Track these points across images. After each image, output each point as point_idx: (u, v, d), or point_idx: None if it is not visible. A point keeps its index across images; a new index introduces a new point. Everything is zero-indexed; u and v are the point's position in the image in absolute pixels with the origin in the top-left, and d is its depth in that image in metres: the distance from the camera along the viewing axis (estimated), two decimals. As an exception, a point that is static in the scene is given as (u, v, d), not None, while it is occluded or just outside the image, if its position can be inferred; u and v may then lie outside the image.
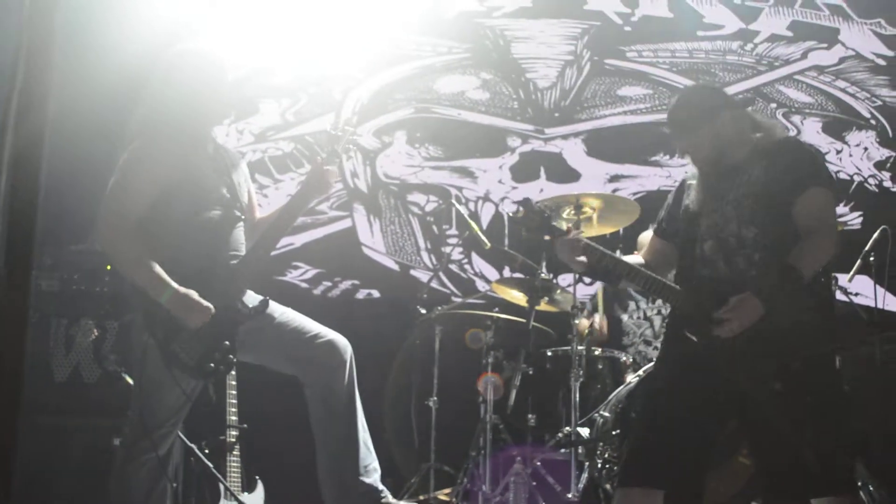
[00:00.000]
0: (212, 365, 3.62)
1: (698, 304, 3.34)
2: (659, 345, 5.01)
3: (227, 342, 3.65)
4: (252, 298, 3.82)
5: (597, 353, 5.23)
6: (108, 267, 4.96)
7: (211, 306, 3.58)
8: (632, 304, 5.65)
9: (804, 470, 3.18)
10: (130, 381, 4.48)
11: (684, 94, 3.89)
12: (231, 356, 3.66)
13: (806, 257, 3.29)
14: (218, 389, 3.81)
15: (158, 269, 3.57)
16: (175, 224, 3.66)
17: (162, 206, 3.65)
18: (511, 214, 3.50)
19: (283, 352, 3.91)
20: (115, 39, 5.85)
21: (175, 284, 3.56)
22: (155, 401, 3.70)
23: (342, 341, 3.96)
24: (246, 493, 4.64)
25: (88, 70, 5.60)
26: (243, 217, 3.85)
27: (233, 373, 4.67)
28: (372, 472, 4.04)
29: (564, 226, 3.95)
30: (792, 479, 3.24)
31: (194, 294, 3.58)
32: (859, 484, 4.84)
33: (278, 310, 3.95)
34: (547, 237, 3.51)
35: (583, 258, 3.44)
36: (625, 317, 5.61)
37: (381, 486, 4.06)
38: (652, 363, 4.74)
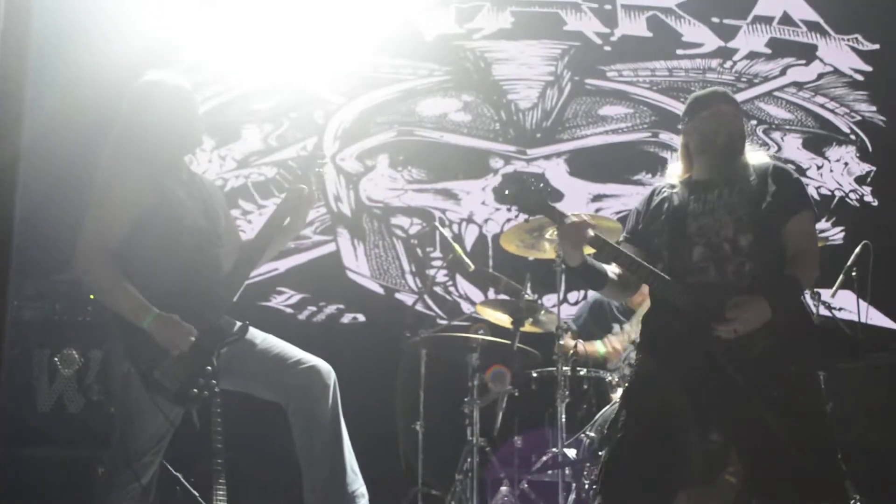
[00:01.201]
0: (195, 391, 3.61)
1: (699, 302, 3.33)
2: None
3: (209, 367, 3.64)
4: (231, 324, 3.82)
5: (582, 373, 5.23)
6: (91, 296, 4.94)
7: (193, 329, 3.58)
8: (616, 327, 5.65)
9: (799, 476, 3.19)
10: (115, 410, 4.46)
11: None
12: (214, 381, 3.65)
13: (806, 272, 3.39)
14: (202, 416, 3.79)
15: (138, 294, 3.57)
16: (152, 251, 3.65)
17: (138, 233, 3.65)
18: (505, 193, 3.39)
19: (265, 378, 3.90)
20: (90, 65, 5.85)
21: (156, 309, 3.55)
22: (137, 428, 3.68)
23: (325, 367, 3.96)
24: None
25: (64, 97, 5.59)
26: (220, 244, 3.84)
27: (217, 400, 4.65)
28: (359, 497, 4.02)
29: (547, 246, 3.96)
30: (786, 486, 3.22)
31: (176, 317, 3.57)
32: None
33: (259, 336, 3.94)
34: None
35: (585, 247, 3.39)
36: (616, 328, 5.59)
37: (366, 510, 4.05)
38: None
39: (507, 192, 3.47)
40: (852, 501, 4.64)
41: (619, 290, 3.66)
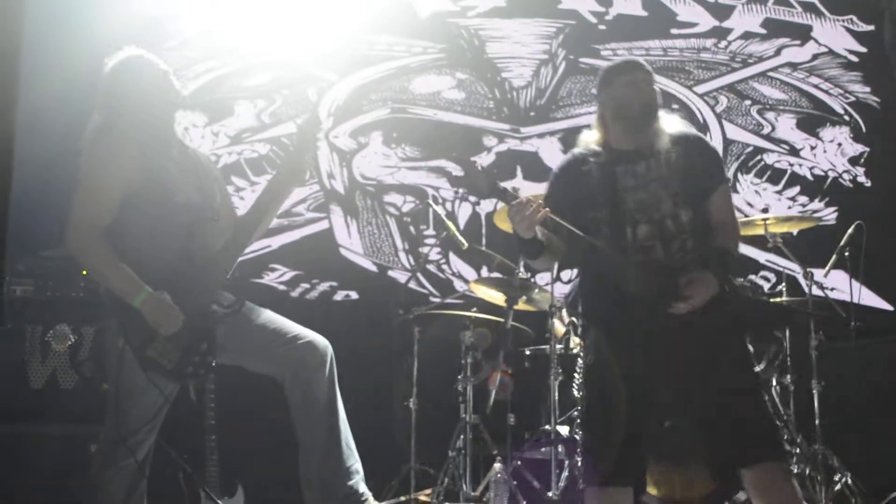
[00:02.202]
0: (190, 368, 3.61)
1: (648, 281, 3.35)
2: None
3: (205, 344, 3.64)
4: (227, 299, 3.81)
5: (575, 351, 5.23)
6: (84, 272, 4.93)
7: (181, 314, 3.57)
8: None
9: (752, 437, 3.27)
10: (108, 386, 4.46)
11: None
12: (210, 358, 3.65)
13: (733, 243, 3.52)
14: (198, 392, 3.80)
15: (131, 272, 3.56)
16: (144, 228, 3.64)
17: (129, 209, 3.63)
18: (455, 175, 3.37)
19: (261, 353, 3.90)
20: (84, 44, 5.81)
21: (148, 288, 3.54)
22: (131, 405, 3.68)
23: (322, 342, 3.96)
24: (226, 498, 4.63)
25: (56, 76, 5.57)
26: (215, 218, 3.83)
27: (211, 376, 4.65)
28: (354, 473, 4.03)
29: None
30: (738, 448, 3.29)
31: (167, 298, 3.56)
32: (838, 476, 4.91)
33: (255, 311, 3.93)
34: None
35: (537, 226, 3.34)
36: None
37: (363, 488, 4.05)
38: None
39: (456, 176, 3.46)
40: (847, 480, 4.83)
41: (550, 258, 3.63)
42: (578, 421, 3.53)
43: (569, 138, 7.02)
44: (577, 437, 4.81)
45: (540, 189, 6.52)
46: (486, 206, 6.80)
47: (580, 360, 4.12)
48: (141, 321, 3.55)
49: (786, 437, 5.06)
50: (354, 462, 4.02)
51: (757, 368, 4.76)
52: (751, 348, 4.92)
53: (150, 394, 3.65)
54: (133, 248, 3.62)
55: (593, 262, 3.45)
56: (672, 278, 3.34)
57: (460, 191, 3.72)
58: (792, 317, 5.14)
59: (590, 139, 3.62)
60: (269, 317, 3.94)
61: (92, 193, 3.63)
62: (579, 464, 3.55)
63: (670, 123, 3.58)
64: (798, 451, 5.00)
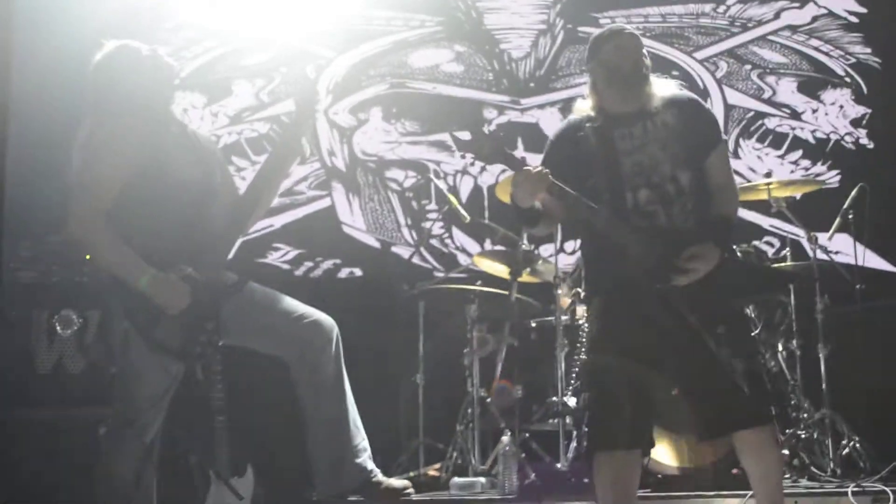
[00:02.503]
0: (198, 348, 3.62)
1: (650, 249, 3.35)
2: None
3: (211, 323, 3.64)
4: (230, 279, 3.81)
5: (581, 322, 5.23)
6: (88, 256, 4.93)
7: (187, 292, 3.56)
8: None
9: (744, 403, 3.29)
10: (115, 370, 4.47)
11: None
12: (216, 337, 3.65)
13: (733, 208, 3.55)
14: (205, 372, 3.80)
15: (134, 255, 3.56)
16: (146, 208, 3.64)
17: (130, 192, 3.63)
18: (461, 140, 3.38)
19: (267, 333, 3.91)
20: (79, 23, 5.79)
21: (152, 269, 3.54)
22: (139, 387, 3.70)
23: (327, 321, 3.97)
24: (236, 478, 4.63)
25: (51, 57, 5.55)
26: (216, 197, 3.82)
27: (217, 357, 4.66)
28: (361, 451, 4.06)
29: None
30: (731, 414, 3.32)
31: (173, 277, 3.56)
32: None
33: (260, 290, 3.94)
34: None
35: (543, 194, 3.35)
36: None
37: (370, 465, 4.08)
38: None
39: (462, 140, 3.45)
40: (855, 445, 4.89)
41: (548, 225, 3.68)
42: (581, 387, 3.53)
43: (569, 108, 6.98)
44: (579, 403, 4.84)
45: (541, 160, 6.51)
46: (488, 178, 6.78)
47: (584, 329, 4.15)
48: (145, 302, 3.56)
49: (793, 401, 5.08)
50: (362, 440, 4.05)
51: (754, 333, 4.76)
52: (751, 314, 4.95)
53: (157, 375, 3.67)
54: (136, 230, 3.62)
55: (595, 230, 3.42)
56: (673, 246, 3.34)
57: (467, 156, 3.75)
58: (793, 281, 5.13)
59: (584, 107, 3.60)
60: (274, 296, 3.95)
61: (92, 180, 3.63)
62: (585, 431, 3.55)
63: (664, 86, 3.58)
64: (805, 415, 5.01)
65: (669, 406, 3.64)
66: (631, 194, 3.41)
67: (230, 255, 3.86)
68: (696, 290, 3.34)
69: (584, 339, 4.68)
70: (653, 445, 3.53)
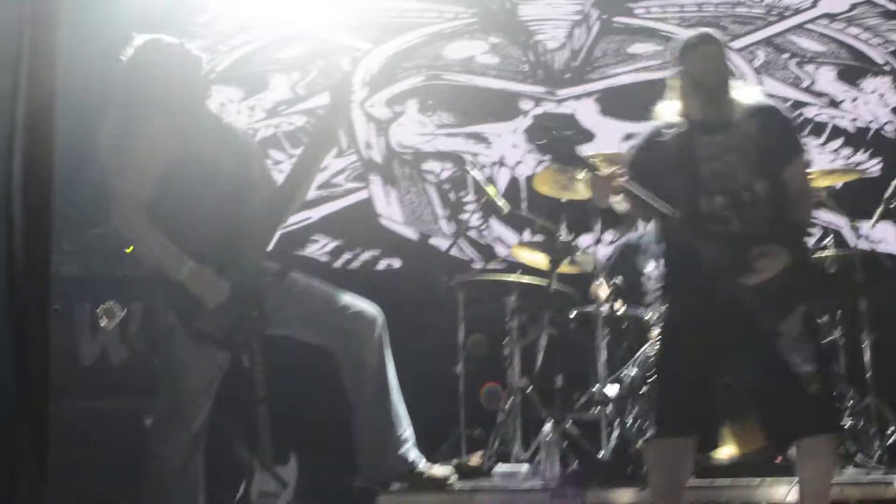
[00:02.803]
0: (242, 337, 3.64)
1: (722, 253, 3.43)
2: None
3: (256, 311, 3.65)
4: (272, 269, 3.82)
5: (620, 312, 5.22)
6: (129, 249, 4.96)
7: (225, 286, 3.58)
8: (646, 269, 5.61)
9: (812, 410, 3.38)
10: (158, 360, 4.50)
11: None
12: (261, 325, 3.67)
13: (809, 215, 3.71)
14: (252, 360, 3.82)
15: (174, 247, 3.58)
16: (185, 200, 3.67)
17: (168, 183, 3.67)
18: (537, 143, 3.63)
19: (311, 323, 3.92)
20: (118, 21, 5.81)
21: (191, 262, 3.56)
22: (183, 378, 3.72)
23: (372, 311, 3.98)
24: (279, 466, 4.65)
25: (92, 53, 5.58)
26: (254, 188, 3.84)
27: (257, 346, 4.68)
28: (405, 440, 4.07)
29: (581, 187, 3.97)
30: (799, 420, 3.40)
31: (210, 272, 3.59)
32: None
33: (303, 281, 3.95)
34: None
35: (618, 198, 3.52)
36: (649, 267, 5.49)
37: (413, 455, 4.09)
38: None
39: (538, 143, 3.64)
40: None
41: (627, 225, 3.84)
42: (650, 380, 3.67)
43: (605, 99, 6.98)
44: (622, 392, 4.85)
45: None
46: (525, 169, 6.77)
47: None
48: (187, 293, 3.58)
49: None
50: (406, 429, 4.06)
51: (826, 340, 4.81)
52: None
53: (203, 365, 3.69)
54: (176, 222, 3.65)
55: (668, 231, 3.56)
56: (744, 249, 3.42)
57: (545, 157, 4.02)
58: (863, 291, 5.14)
59: (667, 110, 3.72)
60: (318, 286, 3.97)
61: (131, 168, 3.66)
62: (648, 416, 3.67)
63: (748, 94, 3.68)
64: (850, 404, 4.98)
65: (722, 396, 3.71)
66: (706, 199, 3.51)
67: (270, 246, 3.87)
68: (770, 294, 3.41)
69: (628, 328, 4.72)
70: (715, 439, 3.74)
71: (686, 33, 3.82)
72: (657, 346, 3.68)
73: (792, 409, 3.39)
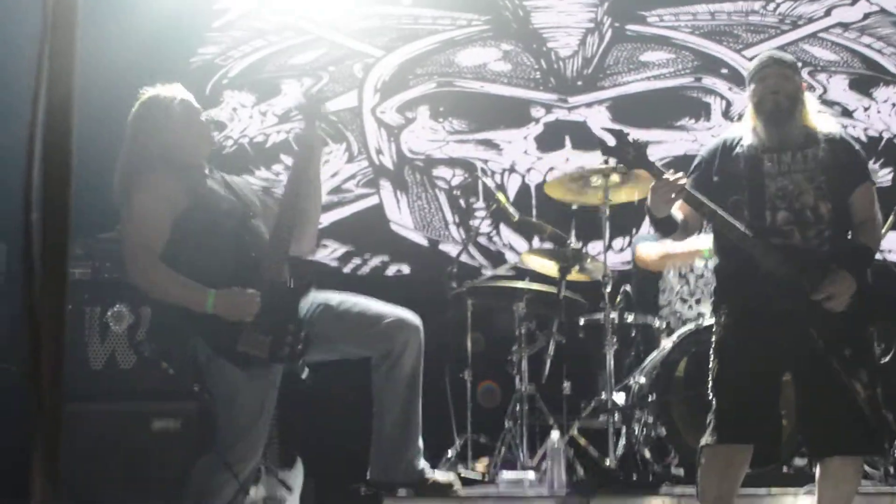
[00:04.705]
0: (286, 349, 3.66)
1: (783, 264, 3.52)
2: (694, 303, 5.06)
3: (291, 324, 3.68)
4: (297, 280, 3.86)
5: (629, 320, 5.22)
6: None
7: (255, 296, 3.62)
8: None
9: (860, 428, 3.45)
10: (166, 366, 4.53)
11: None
12: (301, 334, 3.69)
13: (876, 240, 3.75)
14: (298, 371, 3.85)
15: (193, 283, 3.63)
16: (195, 241, 3.75)
17: (178, 229, 3.75)
18: (607, 146, 3.72)
19: (351, 339, 3.96)
20: (135, 27, 5.87)
21: (213, 290, 3.61)
22: (234, 411, 3.74)
23: (412, 318, 4.01)
24: (286, 470, 4.66)
25: (111, 55, 5.62)
26: (260, 217, 3.93)
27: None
28: (419, 450, 4.09)
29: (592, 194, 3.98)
30: (845, 437, 3.47)
31: (236, 289, 3.63)
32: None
33: (335, 298, 3.98)
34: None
35: (679, 202, 3.59)
36: (666, 272, 5.46)
37: (423, 463, 4.11)
38: (689, 327, 4.81)
39: (607, 145, 3.87)
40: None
41: (683, 235, 3.97)
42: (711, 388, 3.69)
43: (617, 106, 6.98)
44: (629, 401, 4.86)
45: (589, 158, 6.50)
46: (536, 177, 6.78)
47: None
48: (219, 323, 3.61)
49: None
50: (420, 438, 4.08)
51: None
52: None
53: (250, 389, 3.71)
54: (191, 260, 3.72)
55: (731, 241, 3.60)
56: (807, 264, 3.50)
57: (609, 160, 4.09)
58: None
59: (741, 127, 3.82)
60: (351, 300, 4.00)
61: (142, 221, 3.74)
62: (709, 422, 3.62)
63: (820, 121, 3.76)
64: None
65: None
66: (770, 213, 3.59)
67: (285, 260, 3.87)
68: (826, 312, 3.48)
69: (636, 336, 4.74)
70: (773, 447, 3.70)
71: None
72: (715, 354, 3.69)
73: (837, 426, 3.45)
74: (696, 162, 3.86)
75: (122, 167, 3.86)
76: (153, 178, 3.77)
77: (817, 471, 3.63)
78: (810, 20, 7.07)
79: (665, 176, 3.55)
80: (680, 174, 3.59)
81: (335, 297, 3.98)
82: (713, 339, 3.73)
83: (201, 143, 3.99)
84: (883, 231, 5.28)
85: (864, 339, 3.62)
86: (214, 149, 4.16)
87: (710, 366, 3.68)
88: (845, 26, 7.04)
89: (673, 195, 3.54)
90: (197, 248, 3.74)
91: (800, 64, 6.88)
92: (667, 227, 3.83)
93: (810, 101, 3.81)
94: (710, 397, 3.63)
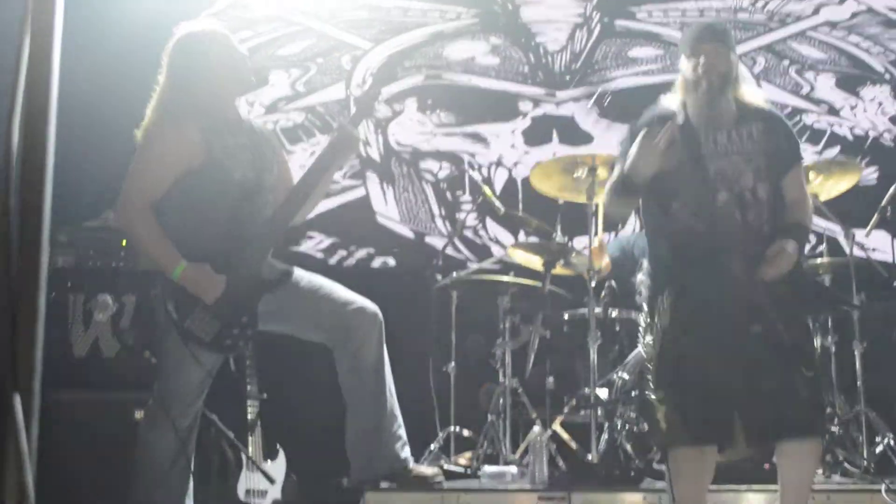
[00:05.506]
0: (229, 340, 3.64)
1: (733, 241, 3.44)
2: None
3: (245, 317, 3.66)
4: (276, 270, 3.82)
5: (613, 315, 5.22)
6: (123, 242, 4.98)
7: (221, 281, 3.59)
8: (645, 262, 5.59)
9: (801, 412, 3.37)
10: (149, 355, 4.52)
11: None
12: (250, 330, 3.67)
13: (810, 219, 3.68)
14: (238, 362, 3.83)
15: (171, 246, 3.59)
16: (195, 204, 3.69)
17: (182, 186, 3.68)
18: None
19: (312, 320, 3.91)
20: (122, 12, 5.84)
21: (184, 262, 3.57)
22: (175, 377, 3.72)
23: (372, 308, 3.97)
24: (268, 462, 4.67)
25: (96, 46, 5.59)
26: (268, 192, 3.84)
27: (249, 348, 4.69)
28: (397, 439, 4.06)
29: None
30: (787, 421, 3.37)
31: (207, 268, 3.59)
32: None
33: (305, 277, 3.94)
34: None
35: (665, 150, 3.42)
36: (639, 275, 5.50)
37: (405, 454, 4.09)
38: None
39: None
40: (889, 441, 4.91)
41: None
42: (654, 381, 3.55)
43: (604, 102, 6.98)
44: (612, 396, 4.83)
45: (576, 152, 6.47)
46: (523, 171, 6.78)
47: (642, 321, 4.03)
48: (180, 293, 3.59)
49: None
50: (398, 428, 4.05)
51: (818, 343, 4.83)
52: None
53: (191, 365, 3.69)
54: (180, 221, 3.67)
55: (665, 225, 3.54)
56: (748, 246, 3.44)
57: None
58: (856, 307, 5.14)
59: (671, 101, 3.68)
60: (319, 282, 3.95)
61: (148, 167, 3.68)
62: (660, 425, 3.52)
63: (752, 95, 3.67)
64: (839, 412, 4.98)
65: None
66: (712, 195, 3.49)
67: (275, 244, 3.85)
68: (766, 298, 3.40)
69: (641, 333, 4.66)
70: (731, 440, 3.47)
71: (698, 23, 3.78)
72: (657, 351, 3.54)
73: (778, 411, 3.36)
74: (625, 136, 3.69)
75: (152, 113, 3.75)
76: (173, 130, 3.67)
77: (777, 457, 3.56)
78: (798, 18, 7.09)
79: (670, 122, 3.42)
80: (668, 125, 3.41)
81: (304, 276, 3.95)
82: (651, 332, 3.58)
83: (239, 80, 3.84)
84: (867, 229, 5.34)
85: (802, 325, 3.56)
86: (252, 88, 3.97)
87: (654, 363, 3.56)
88: (833, 25, 7.06)
89: (663, 144, 3.36)
90: (192, 209, 3.67)
91: (787, 62, 7.00)
92: (637, 191, 3.57)
93: (742, 74, 3.68)
94: (660, 396, 3.51)
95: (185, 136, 3.67)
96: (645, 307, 3.74)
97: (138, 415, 4.45)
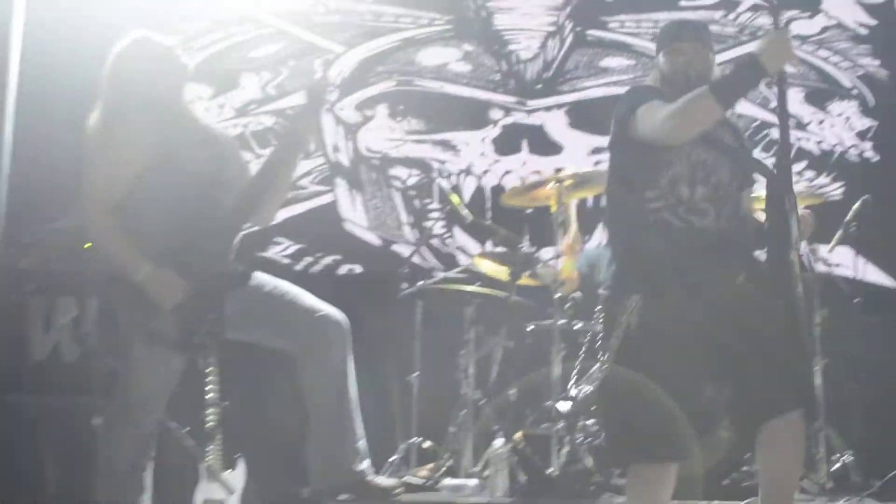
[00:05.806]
0: (197, 339, 3.62)
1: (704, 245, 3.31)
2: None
3: (213, 314, 3.63)
4: (236, 270, 3.79)
5: (577, 327, 5.22)
6: (87, 245, 4.94)
7: (181, 288, 3.57)
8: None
9: (785, 384, 3.20)
10: (111, 359, 4.48)
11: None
12: (218, 328, 3.64)
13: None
14: (205, 363, 3.79)
15: (134, 249, 3.57)
16: (156, 201, 3.65)
17: (142, 184, 3.66)
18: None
19: (276, 326, 3.88)
20: (86, 13, 5.80)
21: (148, 265, 3.55)
22: (137, 380, 3.70)
23: (338, 316, 3.95)
24: (227, 471, 4.63)
25: (57, 46, 5.55)
26: (227, 188, 3.81)
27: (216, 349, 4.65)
28: (358, 450, 4.05)
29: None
30: (771, 394, 3.20)
31: (168, 272, 3.57)
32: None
33: (270, 282, 3.92)
34: None
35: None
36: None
37: (365, 465, 4.08)
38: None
39: None
40: (843, 459, 4.91)
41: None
42: (606, 393, 3.43)
43: (575, 111, 6.99)
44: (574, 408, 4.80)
45: (546, 162, 6.50)
46: (491, 179, 6.78)
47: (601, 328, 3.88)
48: (143, 295, 3.57)
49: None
50: (361, 439, 4.04)
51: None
52: None
53: (156, 368, 3.67)
54: (140, 220, 3.64)
55: (649, 213, 3.35)
56: (720, 245, 3.30)
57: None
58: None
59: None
60: (285, 287, 3.93)
61: (106, 173, 3.65)
62: (613, 440, 3.43)
63: None
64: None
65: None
66: (691, 187, 3.33)
67: (234, 244, 3.81)
68: (745, 292, 3.28)
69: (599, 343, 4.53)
70: (690, 454, 3.32)
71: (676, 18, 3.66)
72: (618, 358, 3.32)
73: (764, 387, 3.18)
74: (642, 91, 3.53)
75: (100, 113, 3.75)
76: (126, 125, 3.67)
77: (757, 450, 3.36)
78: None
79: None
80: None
81: (269, 281, 3.92)
82: (610, 338, 3.36)
83: (181, 84, 3.87)
84: (831, 245, 5.37)
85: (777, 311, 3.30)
86: (188, 76, 3.96)
87: (609, 372, 3.37)
88: (803, 39, 7.09)
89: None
90: (151, 206, 3.64)
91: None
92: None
93: (718, 74, 3.51)
94: (617, 409, 3.37)
95: (138, 136, 3.66)
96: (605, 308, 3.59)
97: (97, 421, 4.41)
